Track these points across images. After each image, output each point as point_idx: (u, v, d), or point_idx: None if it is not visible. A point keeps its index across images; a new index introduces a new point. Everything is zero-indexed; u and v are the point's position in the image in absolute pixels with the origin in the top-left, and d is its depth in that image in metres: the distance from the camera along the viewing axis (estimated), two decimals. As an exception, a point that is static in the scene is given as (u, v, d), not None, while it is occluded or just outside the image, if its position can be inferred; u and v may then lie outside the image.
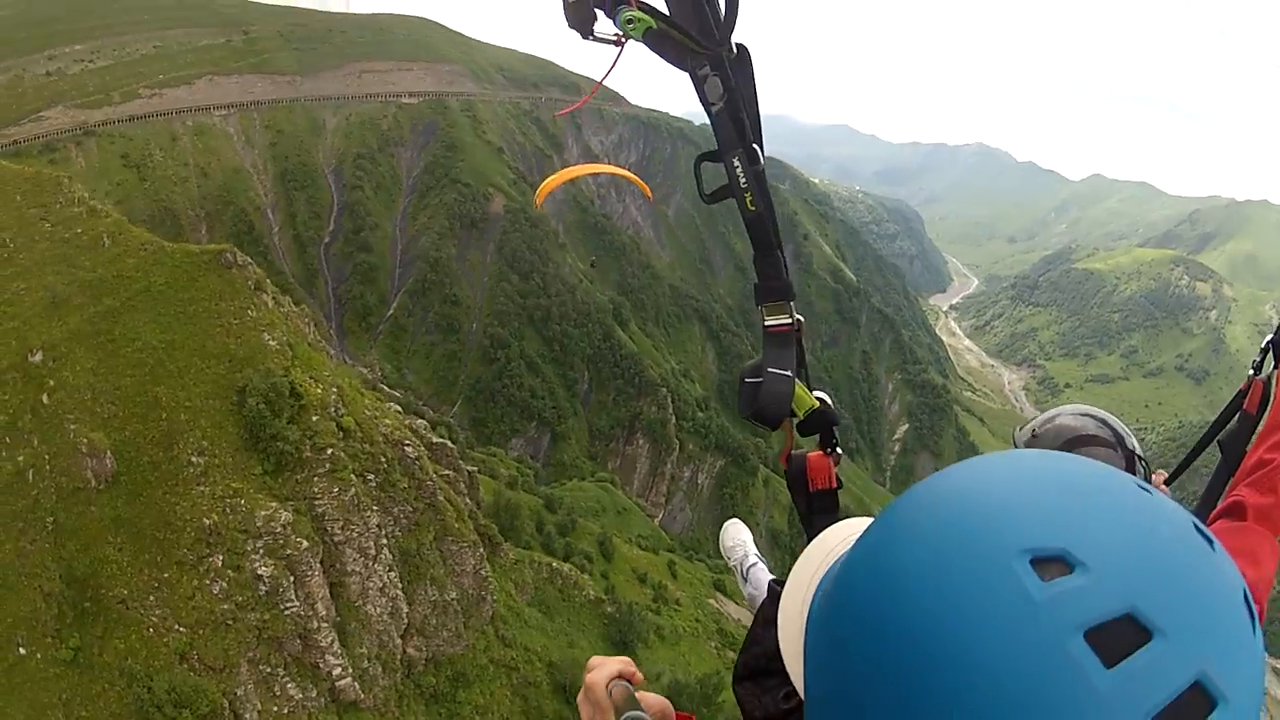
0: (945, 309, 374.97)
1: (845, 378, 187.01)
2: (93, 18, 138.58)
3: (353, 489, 41.59)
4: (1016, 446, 3.25)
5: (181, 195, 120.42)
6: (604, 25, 2.40)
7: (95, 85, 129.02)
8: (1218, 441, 3.53)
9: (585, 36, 2.43)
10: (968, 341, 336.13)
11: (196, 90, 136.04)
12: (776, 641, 2.04)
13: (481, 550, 49.56)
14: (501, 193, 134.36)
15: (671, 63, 2.46)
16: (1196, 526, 1.14)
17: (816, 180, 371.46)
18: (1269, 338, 3.60)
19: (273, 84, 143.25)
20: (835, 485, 2.78)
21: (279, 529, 38.16)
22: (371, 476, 43.94)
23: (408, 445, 46.76)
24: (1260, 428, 3.17)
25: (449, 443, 57.87)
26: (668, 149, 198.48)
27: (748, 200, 2.56)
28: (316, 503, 40.75)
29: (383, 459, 44.75)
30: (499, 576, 53.36)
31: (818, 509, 2.77)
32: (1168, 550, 1.08)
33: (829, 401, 2.77)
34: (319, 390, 43.38)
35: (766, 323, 2.71)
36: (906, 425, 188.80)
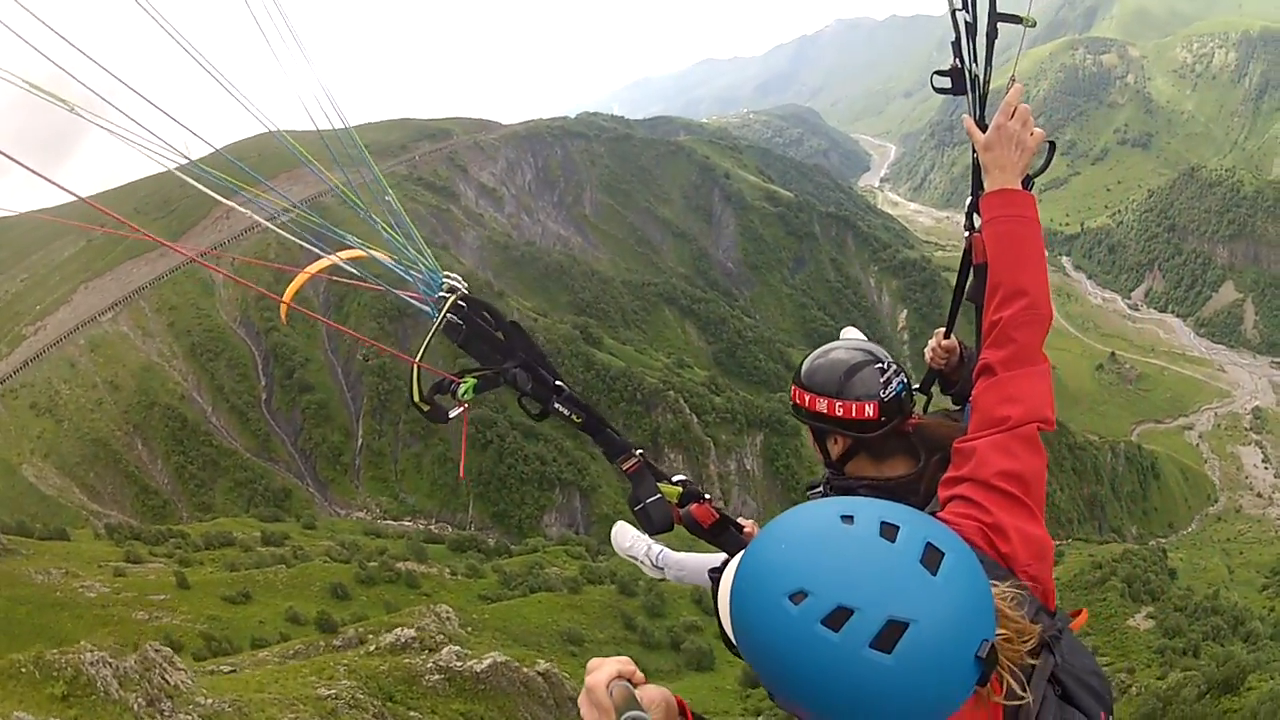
0: (877, 184, 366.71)
1: (826, 292, 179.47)
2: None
3: None
4: (809, 370, 3.87)
5: (102, 420, 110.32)
6: (454, 408, 3.61)
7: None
8: (968, 298, 3.90)
9: (446, 420, 3.77)
10: (914, 205, 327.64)
11: (76, 305, 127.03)
12: None
13: None
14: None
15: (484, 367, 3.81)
16: (883, 523, 2.03)
17: (705, 120, 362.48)
18: (969, 201, 3.95)
19: (147, 263, 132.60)
20: (718, 518, 4.06)
21: None
22: None
23: None
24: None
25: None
26: (559, 152, 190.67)
27: (574, 418, 3.94)
28: None
29: None
30: None
31: (717, 534, 4.05)
32: (854, 560, 1.94)
33: (686, 478, 4.07)
34: None
35: (624, 468, 3.97)
36: (905, 311, 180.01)
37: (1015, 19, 3.86)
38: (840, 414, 3.71)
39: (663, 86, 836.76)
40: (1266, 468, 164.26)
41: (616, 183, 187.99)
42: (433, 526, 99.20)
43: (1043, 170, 3.54)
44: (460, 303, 3.74)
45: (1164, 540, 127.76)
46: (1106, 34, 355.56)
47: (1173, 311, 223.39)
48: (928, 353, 4.44)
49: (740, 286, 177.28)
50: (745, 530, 4.13)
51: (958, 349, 4.33)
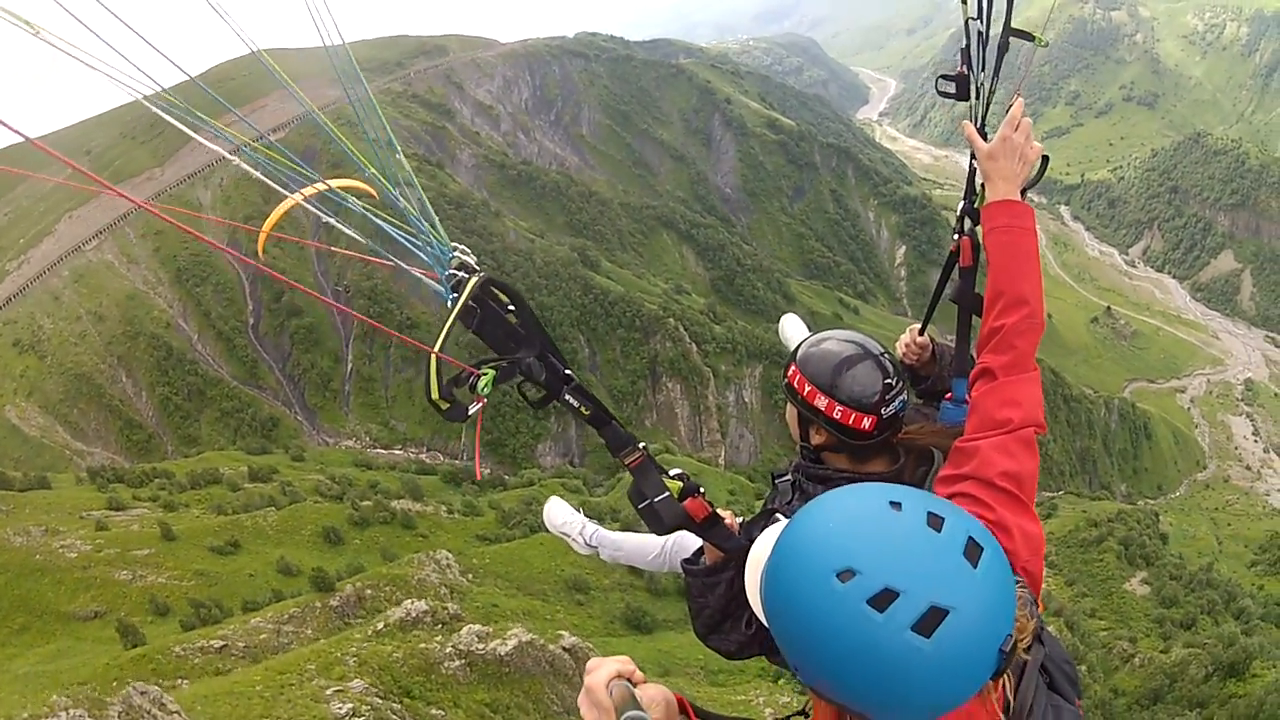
0: (876, 119, 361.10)
1: (825, 223, 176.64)
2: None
3: None
4: (811, 357, 3.78)
5: (85, 353, 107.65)
6: (473, 404, 3.26)
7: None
8: (952, 300, 4.00)
9: (465, 419, 3.29)
10: (912, 141, 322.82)
11: (60, 236, 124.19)
12: (723, 600, 3.68)
13: None
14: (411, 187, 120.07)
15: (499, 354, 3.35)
16: (930, 513, 2.11)
17: (705, 45, 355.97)
18: (961, 205, 4.00)
19: (133, 188, 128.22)
20: (712, 510, 3.67)
21: None
22: None
23: None
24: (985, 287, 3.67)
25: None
26: (557, 71, 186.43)
27: (582, 410, 3.45)
28: None
29: None
30: None
31: (707, 529, 3.65)
32: (903, 545, 2.02)
33: (683, 472, 3.64)
34: None
35: (627, 462, 3.53)
36: (904, 247, 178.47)
37: (1028, 36, 3.92)
38: (837, 417, 3.65)
39: (659, 10, 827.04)
40: (1256, 441, 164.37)
41: (615, 104, 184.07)
42: (424, 455, 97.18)
43: (1036, 182, 3.54)
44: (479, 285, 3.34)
45: (1153, 502, 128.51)
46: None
47: (1169, 273, 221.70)
48: (900, 348, 4.39)
49: (738, 213, 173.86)
50: (725, 520, 3.78)
51: (930, 346, 4.35)
